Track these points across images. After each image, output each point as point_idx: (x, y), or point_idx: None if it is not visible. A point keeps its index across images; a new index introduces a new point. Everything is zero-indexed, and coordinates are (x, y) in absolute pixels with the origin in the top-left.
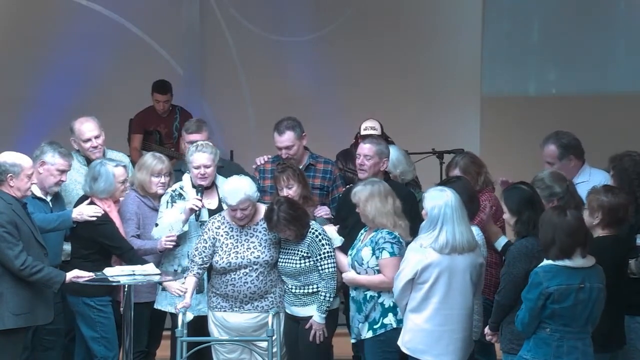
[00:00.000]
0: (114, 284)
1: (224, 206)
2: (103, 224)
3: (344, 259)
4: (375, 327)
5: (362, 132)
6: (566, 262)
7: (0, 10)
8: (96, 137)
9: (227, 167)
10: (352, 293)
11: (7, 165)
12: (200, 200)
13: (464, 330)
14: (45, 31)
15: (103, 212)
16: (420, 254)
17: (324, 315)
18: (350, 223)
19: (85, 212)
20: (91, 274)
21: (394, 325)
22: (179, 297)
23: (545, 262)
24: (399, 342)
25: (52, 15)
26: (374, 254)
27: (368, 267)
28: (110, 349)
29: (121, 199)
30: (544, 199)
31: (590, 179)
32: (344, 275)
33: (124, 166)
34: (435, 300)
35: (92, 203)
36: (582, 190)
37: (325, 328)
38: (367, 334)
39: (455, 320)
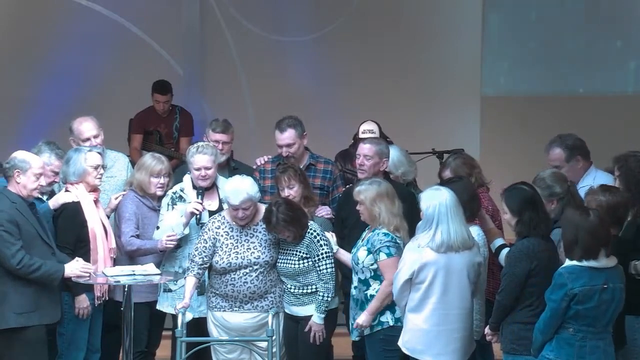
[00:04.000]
0: (114, 284)
1: (225, 207)
2: (62, 211)
3: (347, 257)
4: (372, 324)
5: (361, 135)
6: (590, 263)
7: (0, 10)
8: (95, 137)
9: (242, 169)
10: (353, 292)
11: (16, 160)
12: (201, 204)
13: (463, 329)
14: (45, 31)
15: (76, 197)
16: (417, 254)
17: (323, 316)
18: (350, 223)
19: (59, 197)
20: (90, 271)
21: (391, 323)
22: (180, 299)
23: (569, 262)
24: (399, 343)
25: (52, 15)
26: (369, 253)
27: (364, 266)
28: (71, 349)
29: (116, 199)
30: (544, 198)
31: (594, 183)
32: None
33: (100, 153)
34: (433, 299)
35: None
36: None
37: (325, 328)
38: (366, 331)
39: (454, 319)
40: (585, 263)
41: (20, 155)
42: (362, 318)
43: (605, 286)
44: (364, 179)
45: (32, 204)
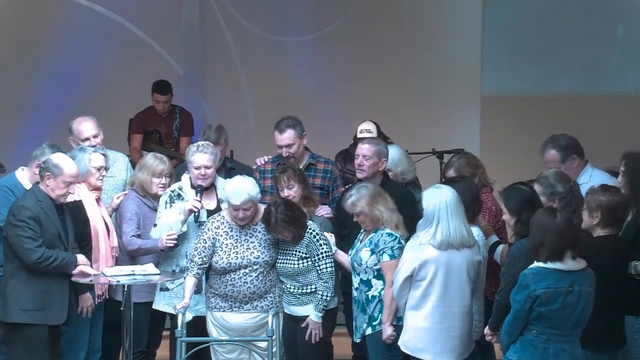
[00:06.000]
0: (114, 283)
1: (223, 207)
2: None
3: (345, 259)
4: (374, 323)
5: (359, 135)
6: (556, 265)
7: (0, 11)
8: (95, 137)
9: (239, 169)
10: (355, 293)
11: (50, 164)
12: (199, 202)
13: (462, 327)
14: (45, 31)
15: (78, 196)
16: (418, 251)
17: (321, 314)
18: (349, 223)
19: None
20: (92, 273)
21: (393, 322)
22: (177, 297)
23: (535, 264)
24: (399, 342)
25: (52, 15)
26: (373, 254)
27: (367, 267)
28: (72, 348)
29: (118, 199)
30: (546, 197)
31: (590, 181)
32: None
33: (104, 154)
34: (434, 297)
35: None
36: (583, 193)
37: (324, 328)
38: (367, 331)
39: (453, 317)
40: (550, 265)
41: (55, 158)
42: (386, 332)
43: (571, 289)
44: (363, 179)
45: (61, 206)
